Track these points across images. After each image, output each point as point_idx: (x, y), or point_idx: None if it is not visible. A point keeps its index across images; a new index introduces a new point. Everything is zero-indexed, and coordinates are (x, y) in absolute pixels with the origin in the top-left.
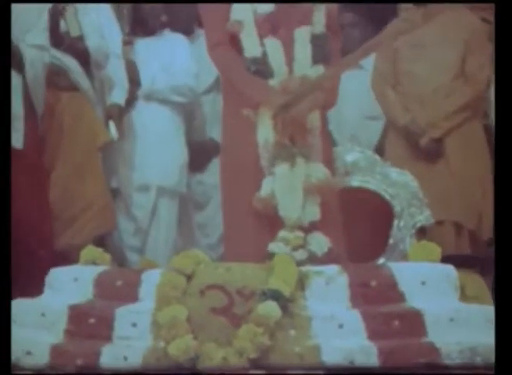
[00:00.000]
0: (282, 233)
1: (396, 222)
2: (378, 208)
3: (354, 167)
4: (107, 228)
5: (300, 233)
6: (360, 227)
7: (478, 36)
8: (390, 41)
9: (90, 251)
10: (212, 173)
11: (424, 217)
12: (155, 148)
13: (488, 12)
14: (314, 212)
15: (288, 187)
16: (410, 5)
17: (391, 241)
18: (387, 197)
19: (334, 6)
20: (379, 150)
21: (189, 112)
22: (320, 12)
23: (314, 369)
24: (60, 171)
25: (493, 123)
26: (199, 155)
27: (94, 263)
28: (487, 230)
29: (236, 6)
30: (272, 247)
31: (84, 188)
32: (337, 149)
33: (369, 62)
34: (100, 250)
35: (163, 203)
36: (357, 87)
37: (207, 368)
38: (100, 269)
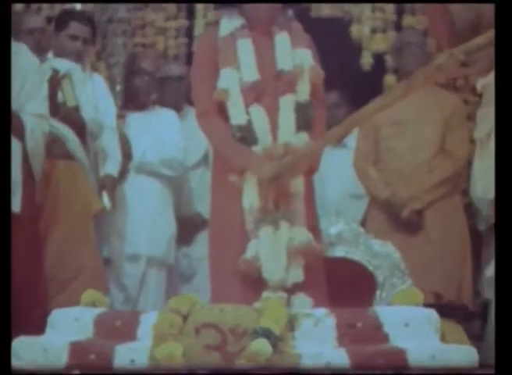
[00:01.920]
0: (265, 294)
1: (378, 292)
2: (361, 278)
3: (338, 239)
4: None
5: (284, 294)
6: (343, 296)
7: (458, 114)
8: (373, 115)
9: (90, 294)
10: (199, 247)
11: (405, 287)
12: (145, 219)
13: (467, 93)
14: (297, 274)
15: (271, 250)
16: (393, 83)
17: None
18: (370, 268)
19: (319, 76)
20: (362, 224)
21: (177, 186)
22: (304, 81)
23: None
24: (55, 237)
25: (472, 199)
26: (186, 228)
27: (94, 305)
28: (466, 301)
29: (222, 75)
30: (256, 306)
31: (78, 254)
32: (322, 222)
33: (353, 140)
34: (100, 293)
35: (152, 273)
36: (341, 165)
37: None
38: (99, 310)
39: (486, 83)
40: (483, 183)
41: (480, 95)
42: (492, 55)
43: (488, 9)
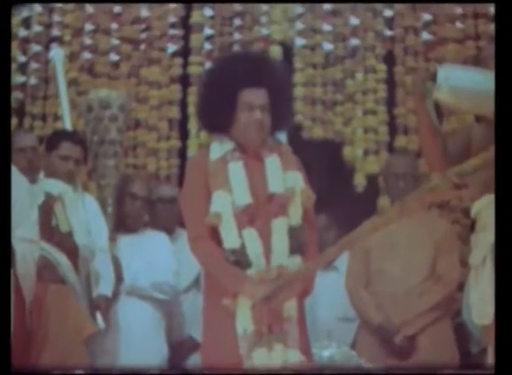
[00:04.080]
0: None
1: None
2: None
3: (331, 362)
4: None
5: None
6: None
7: (448, 238)
8: (366, 237)
9: None
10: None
11: None
12: (136, 343)
13: (460, 214)
14: None
15: (266, 370)
16: (387, 204)
17: None
18: None
19: (310, 199)
20: (352, 345)
21: (169, 309)
22: (296, 205)
23: None
24: (47, 360)
25: (464, 320)
26: (178, 352)
27: None
28: None
29: (215, 198)
30: None
31: None
32: (314, 345)
33: (343, 263)
34: None
35: None
36: (332, 288)
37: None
38: None
39: (480, 208)
40: (479, 309)
41: (473, 220)
42: (485, 178)
43: (479, 132)
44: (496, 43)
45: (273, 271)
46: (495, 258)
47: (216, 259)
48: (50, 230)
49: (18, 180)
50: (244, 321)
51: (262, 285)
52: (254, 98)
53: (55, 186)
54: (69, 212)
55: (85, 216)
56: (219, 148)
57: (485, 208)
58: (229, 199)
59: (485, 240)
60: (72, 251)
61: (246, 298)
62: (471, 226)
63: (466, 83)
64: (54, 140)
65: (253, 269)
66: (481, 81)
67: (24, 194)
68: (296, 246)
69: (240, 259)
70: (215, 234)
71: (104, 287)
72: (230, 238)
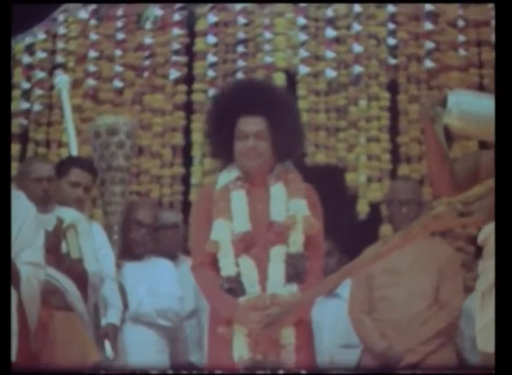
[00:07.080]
0: None
1: None
2: None
3: None
4: None
5: None
6: None
7: (452, 264)
8: (367, 265)
9: None
10: None
11: None
12: (141, 369)
13: (463, 242)
14: None
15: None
16: (390, 232)
17: None
18: None
19: (313, 227)
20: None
21: (173, 336)
22: (297, 232)
23: None
24: None
25: (464, 351)
26: None
27: None
28: None
29: (215, 226)
30: None
31: None
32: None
33: (345, 290)
34: None
35: None
36: (334, 315)
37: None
38: None
39: (488, 235)
40: (484, 336)
41: (477, 246)
42: (490, 205)
43: (488, 158)
44: (496, 42)
45: (265, 299)
46: (495, 283)
47: (211, 287)
48: (59, 256)
49: (25, 206)
50: (240, 348)
51: (254, 313)
52: (248, 126)
53: (69, 213)
54: (81, 239)
55: (94, 242)
56: (227, 176)
57: (492, 234)
58: (228, 227)
59: (492, 267)
60: (81, 279)
61: (240, 326)
62: (476, 253)
63: (476, 109)
64: (64, 166)
65: (246, 297)
66: (492, 107)
67: (31, 220)
68: (294, 274)
69: (235, 287)
70: (215, 262)
71: (113, 316)
72: (227, 266)
